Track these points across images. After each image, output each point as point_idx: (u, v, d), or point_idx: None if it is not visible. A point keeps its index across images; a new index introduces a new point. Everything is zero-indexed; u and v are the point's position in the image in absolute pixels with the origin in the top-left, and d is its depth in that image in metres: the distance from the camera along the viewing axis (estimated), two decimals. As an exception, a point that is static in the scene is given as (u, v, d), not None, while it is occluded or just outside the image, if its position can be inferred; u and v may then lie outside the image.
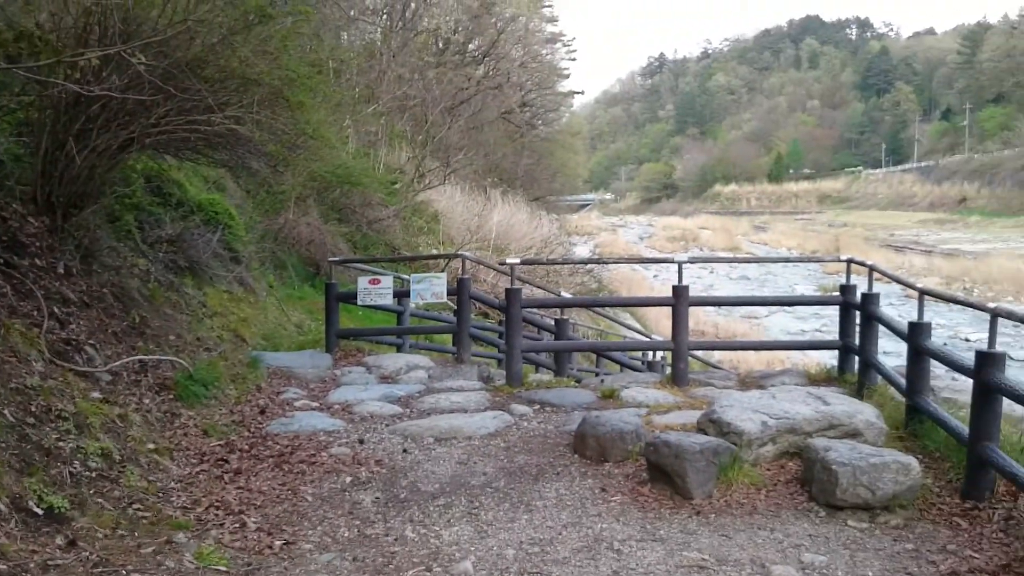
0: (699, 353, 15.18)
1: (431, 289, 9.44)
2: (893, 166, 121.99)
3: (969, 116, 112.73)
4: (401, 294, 10.28)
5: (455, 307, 10.77)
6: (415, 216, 20.27)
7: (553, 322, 11.63)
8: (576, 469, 5.78)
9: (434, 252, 17.21)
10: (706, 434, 5.73)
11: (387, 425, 6.84)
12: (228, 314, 9.51)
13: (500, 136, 34.23)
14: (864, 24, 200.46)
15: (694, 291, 8.91)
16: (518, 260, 8.85)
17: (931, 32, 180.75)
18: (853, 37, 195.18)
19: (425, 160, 22.92)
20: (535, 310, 12.16)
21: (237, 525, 4.72)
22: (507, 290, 8.44)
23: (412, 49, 26.86)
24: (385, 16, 27.94)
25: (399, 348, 11.41)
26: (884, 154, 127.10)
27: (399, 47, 25.37)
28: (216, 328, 8.83)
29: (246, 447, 6.14)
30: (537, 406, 7.59)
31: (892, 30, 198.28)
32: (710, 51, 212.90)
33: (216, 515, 4.85)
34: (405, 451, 6.18)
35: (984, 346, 5.04)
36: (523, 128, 37.07)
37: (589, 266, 26.60)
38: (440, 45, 31.47)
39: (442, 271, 13.57)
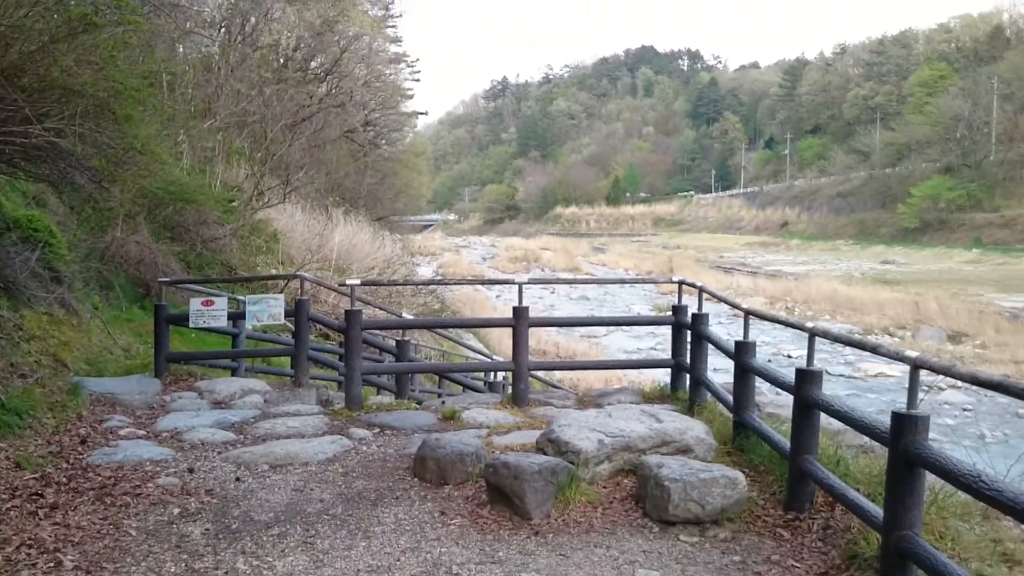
0: (540, 373, 15.40)
1: (268, 310, 9.18)
2: (722, 191, 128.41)
3: (790, 145, 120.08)
4: (236, 316, 9.95)
5: (294, 329, 10.51)
6: (253, 235, 19.70)
7: (395, 343, 11.52)
8: (416, 493, 5.72)
9: (272, 272, 16.76)
10: (545, 454, 5.79)
11: (219, 453, 6.58)
12: (47, 338, 8.93)
13: (343, 155, 33.78)
14: (695, 56, 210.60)
15: (535, 311, 9.04)
16: (359, 281, 8.74)
17: (756, 66, 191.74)
18: (685, 68, 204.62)
19: (264, 178, 22.34)
20: (376, 331, 12.02)
21: (52, 564, 4.41)
22: (347, 311, 8.30)
23: (251, 64, 26.17)
24: (223, 30, 27.13)
25: (234, 372, 11.03)
26: (714, 180, 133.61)
27: (238, 62, 24.67)
28: (34, 353, 8.27)
29: (64, 479, 5.75)
30: (377, 429, 7.48)
31: (720, 62, 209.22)
32: (551, 76, 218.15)
33: (28, 554, 4.51)
34: (238, 479, 5.95)
35: (804, 363, 5.32)
36: (366, 147, 36.75)
37: (432, 287, 26.57)
38: (281, 61, 30.84)
39: (280, 292, 13.23)
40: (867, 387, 23.40)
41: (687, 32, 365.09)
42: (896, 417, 3.94)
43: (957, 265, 60.73)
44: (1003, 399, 21.04)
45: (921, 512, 3.94)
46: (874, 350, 4.59)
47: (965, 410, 20.26)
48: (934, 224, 74.27)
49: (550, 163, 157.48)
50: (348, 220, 26.30)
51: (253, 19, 27.98)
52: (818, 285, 42.23)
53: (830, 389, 21.94)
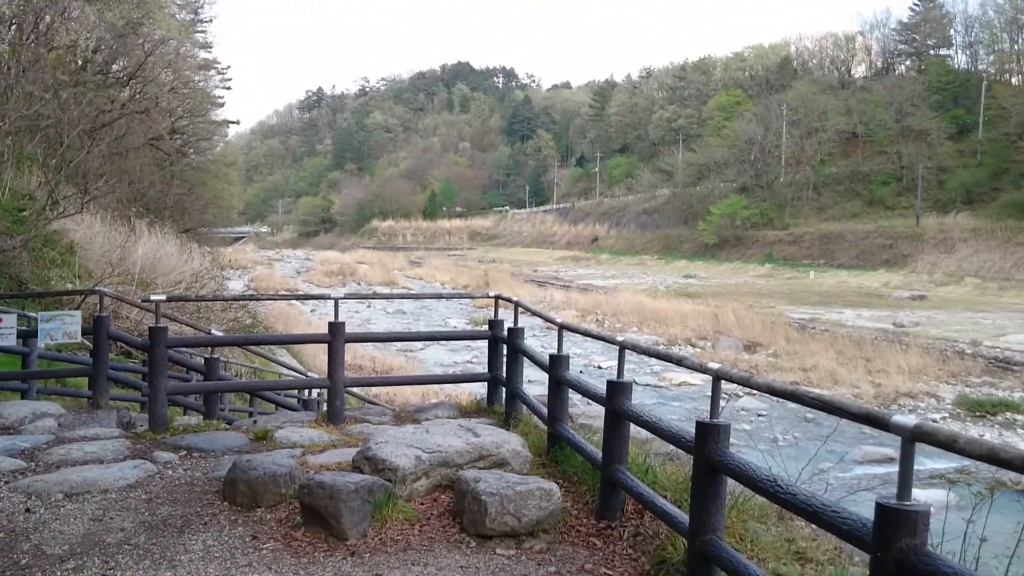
0: (357, 389, 15.18)
1: (63, 328, 8.59)
2: (536, 207, 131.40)
3: (600, 164, 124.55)
4: (27, 334, 9.25)
5: (92, 347, 9.88)
6: (47, 247, 18.39)
7: (203, 361, 11.05)
8: (226, 517, 5.49)
9: (68, 287, 15.71)
10: (362, 472, 5.70)
11: (7, 482, 6.08)
12: None
13: (147, 163, 32.17)
14: (510, 74, 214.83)
15: (352, 326, 8.90)
16: (164, 296, 8.32)
17: (567, 86, 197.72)
18: (500, 85, 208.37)
19: (60, 186, 20.92)
20: (183, 349, 11.49)
21: None
22: (151, 328, 7.89)
23: (46, 65, 24.50)
24: (14, 27, 25.26)
25: (24, 394, 10.24)
26: (528, 195, 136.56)
27: (30, 62, 23.01)
28: None
29: None
30: (184, 452, 7.14)
31: (534, 81, 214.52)
32: (368, 89, 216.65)
33: None
34: (28, 511, 5.51)
35: (614, 374, 5.50)
36: (173, 156, 35.15)
37: (243, 302, 25.70)
38: (79, 63, 29.04)
39: (77, 308, 12.41)
40: (672, 396, 24.51)
41: (502, 50, 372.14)
42: (700, 426, 4.14)
43: (752, 279, 64.79)
44: (792, 405, 22.55)
45: (723, 516, 4.14)
46: (679, 362, 4.80)
47: (760, 415, 21.57)
48: (731, 240, 78.89)
49: (366, 176, 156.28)
50: (153, 232, 25.08)
51: (48, 17, 26.20)
52: (626, 298, 43.86)
53: (639, 399, 22.83)
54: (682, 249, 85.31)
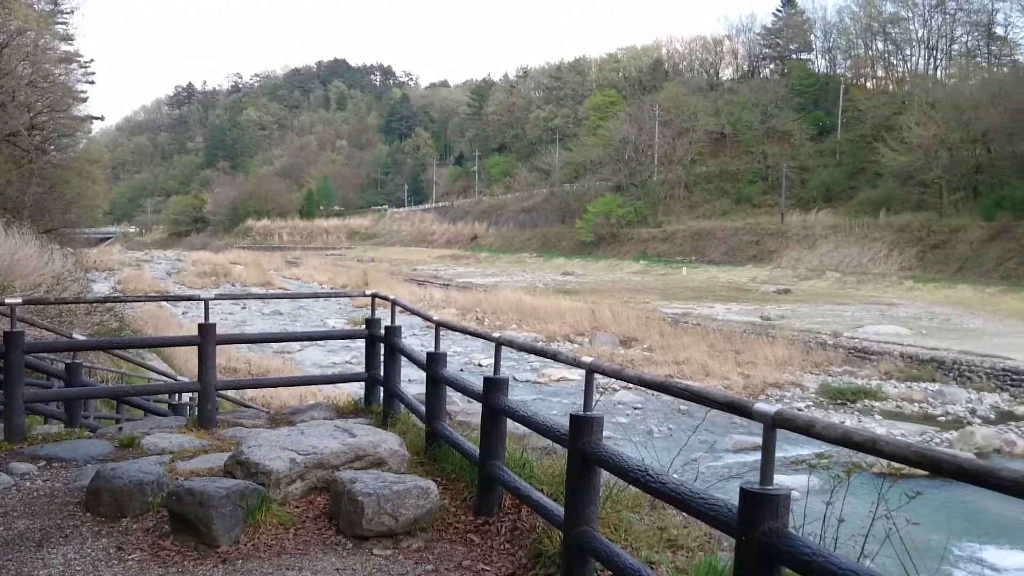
0: (231, 392, 14.77)
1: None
2: (415, 205, 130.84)
3: (478, 162, 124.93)
4: None
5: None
6: None
7: (64, 367, 10.54)
8: (88, 529, 5.25)
9: (-87, 291, 14.73)
10: (234, 477, 5.55)
11: None
12: None
13: (4, 161, 30.52)
14: (387, 72, 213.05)
15: (225, 328, 8.68)
16: (20, 299, 7.89)
17: (445, 84, 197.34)
18: (378, 83, 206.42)
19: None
20: (43, 354, 10.94)
21: None
22: (5, 333, 7.48)
23: None
24: None
25: None
26: (407, 194, 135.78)
27: None
28: None
29: None
30: (43, 462, 6.79)
31: (412, 79, 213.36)
32: (240, 85, 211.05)
33: None
34: None
35: (493, 371, 5.51)
36: (32, 153, 33.40)
37: (109, 304, 24.65)
38: (-78, 53, 27.34)
39: (-77, 313, 11.64)
40: (551, 391, 24.80)
41: (379, 48, 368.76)
42: (574, 419, 4.19)
43: (627, 275, 66.26)
44: (667, 397, 23.17)
45: (597, 508, 4.22)
46: (554, 357, 4.86)
47: (636, 408, 22.08)
48: (607, 238, 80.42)
49: (240, 174, 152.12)
50: (10, 233, 23.76)
51: None
52: (506, 296, 44.16)
53: (520, 395, 22.96)
54: (560, 247, 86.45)
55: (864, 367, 28.14)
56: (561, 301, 41.81)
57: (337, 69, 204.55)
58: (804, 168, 75.08)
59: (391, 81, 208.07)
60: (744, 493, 2.92)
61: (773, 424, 2.90)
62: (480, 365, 27.66)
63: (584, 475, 4.12)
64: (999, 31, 79.08)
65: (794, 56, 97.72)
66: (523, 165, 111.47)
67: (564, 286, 55.62)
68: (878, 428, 21.18)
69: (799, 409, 22.72)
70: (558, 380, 25.81)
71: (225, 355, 24.14)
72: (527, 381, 25.82)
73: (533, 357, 27.21)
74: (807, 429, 2.76)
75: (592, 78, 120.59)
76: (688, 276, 63.71)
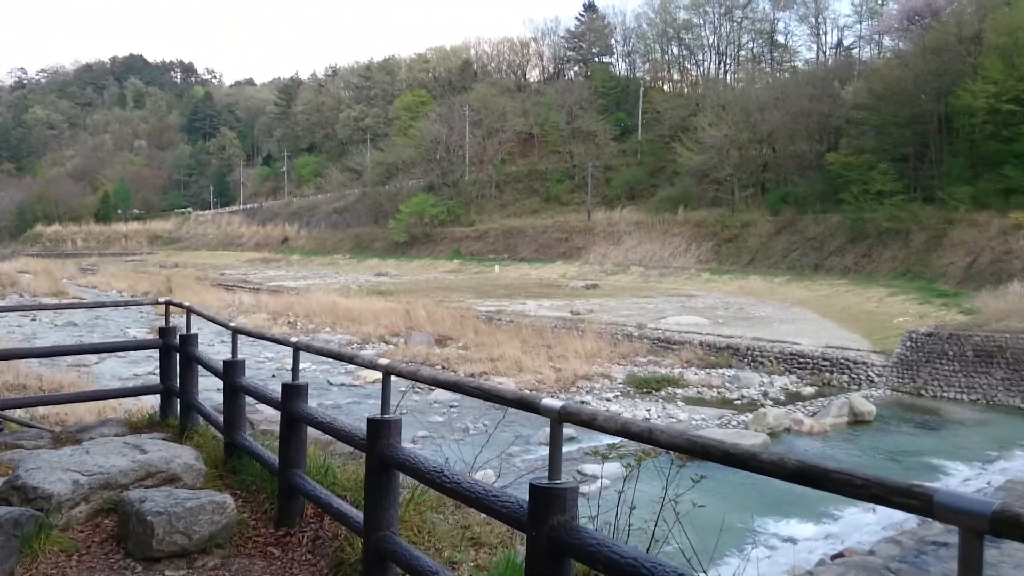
0: (19, 412, 13.68)
1: None
2: (222, 208, 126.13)
3: (287, 163, 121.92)
4: None
5: None
6: None
7: None
8: None
9: None
10: (9, 503, 5.13)
11: None
12: None
13: None
14: (188, 69, 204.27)
15: (13, 342, 8.02)
16: None
17: (251, 83, 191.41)
18: (178, 80, 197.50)
19: None
20: None
21: None
22: None
23: None
24: None
25: None
26: (212, 196, 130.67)
27: None
28: None
29: None
30: None
31: (215, 77, 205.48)
32: (26, 81, 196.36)
33: None
34: None
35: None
36: None
37: None
38: None
39: None
40: (366, 393, 24.48)
41: (179, 44, 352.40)
42: (371, 423, 4.13)
43: (441, 275, 66.51)
44: (483, 394, 23.41)
45: (397, 511, 4.17)
46: (351, 360, 4.78)
47: (452, 407, 22.17)
48: (420, 238, 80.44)
49: (27, 176, 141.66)
50: None
51: None
52: (318, 298, 43.31)
53: (335, 398, 22.49)
54: (373, 248, 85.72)
55: (667, 356, 29.45)
56: (376, 302, 41.43)
57: (133, 65, 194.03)
58: (608, 167, 77.86)
59: (193, 79, 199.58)
60: (533, 489, 2.96)
61: (559, 419, 2.95)
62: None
63: (383, 479, 4.07)
64: (780, 39, 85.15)
65: (597, 59, 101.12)
66: (334, 165, 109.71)
67: (379, 287, 55.12)
68: (681, 414, 22.23)
69: (607, 399, 23.55)
70: (373, 382, 25.48)
71: (13, 372, 22.39)
72: (343, 384, 25.37)
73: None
74: (590, 422, 2.83)
75: (402, 78, 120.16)
76: (501, 274, 64.67)
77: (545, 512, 2.91)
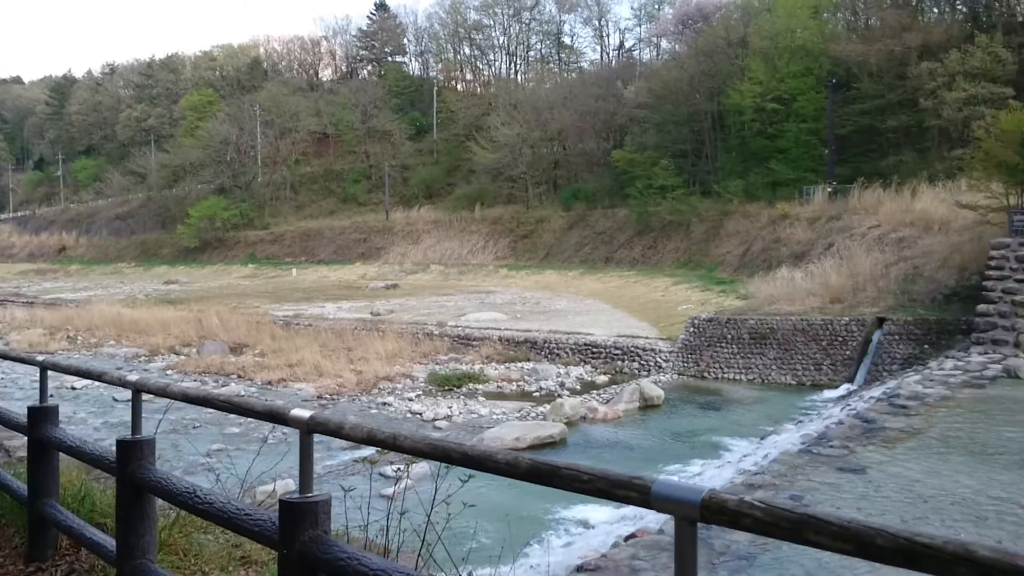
0: None
1: None
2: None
3: (63, 166, 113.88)
4: None
5: None
6: None
7: None
8: None
9: None
10: None
11: None
12: None
13: None
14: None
15: None
16: None
17: (19, 81, 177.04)
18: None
19: None
20: None
21: None
22: None
23: None
24: None
25: None
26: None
27: None
28: None
29: None
30: None
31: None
32: None
33: None
34: None
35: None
36: None
37: None
38: None
39: None
40: (155, 408, 23.26)
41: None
42: (121, 444, 3.87)
43: (236, 280, 64.19)
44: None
45: (155, 537, 3.93)
46: (99, 378, 4.47)
47: (247, 417, 21.40)
48: (212, 242, 77.37)
49: None
50: None
51: None
52: (101, 310, 40.78)
53: (120, 415, 21.19)
54: (162, 254, 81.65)
55: (468, 353, 29.76)
56: (165, 311, 39.49)
57: None
58: (405, 167, 77.80)
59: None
60: (283, 504, 2.85)
61: (308, 430, 2.86)
62: (74, 388, 25.21)
63: (136, 504, 3.82)
64: (567, 40, 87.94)
65: (390, 58, 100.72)
66: (115, 169, 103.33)
67: (168, 295, 52.53)
68: (482, 409, 22.49)
69: (409, 399, 23.50)
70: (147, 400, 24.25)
71: None
72: (128, 400, 23.97)
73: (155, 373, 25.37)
74: (338, 431, 2.75)
75: (187, 76, 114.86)
76: (299, 277, 63.25)
77: (297, 528, 2.80)
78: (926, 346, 24.73)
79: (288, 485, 14.12)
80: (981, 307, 23.45)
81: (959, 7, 49.14)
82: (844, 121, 45.26)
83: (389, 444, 2.54)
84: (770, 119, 46.76)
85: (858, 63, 44.90)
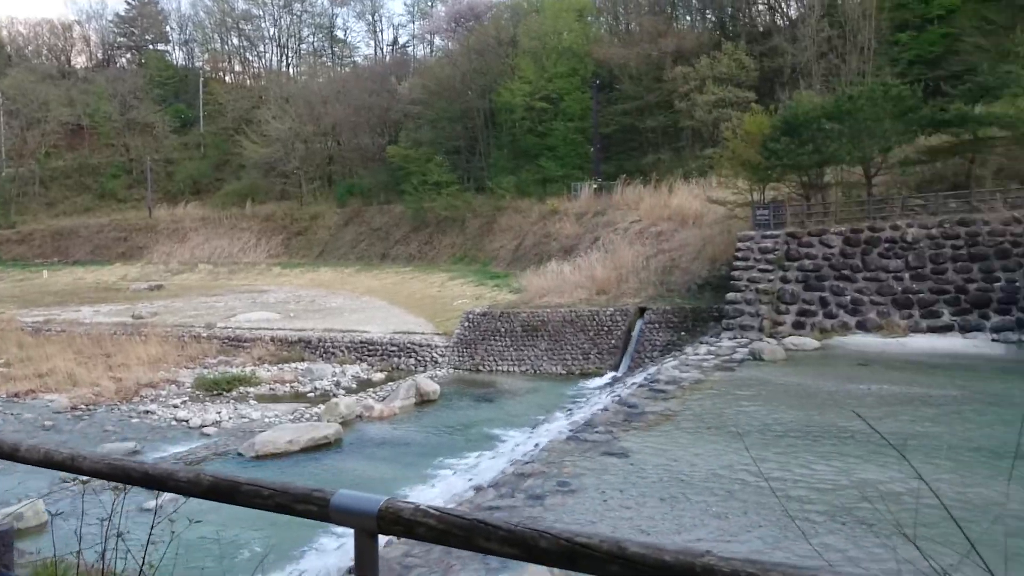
0: None
1: None
2: None
3: None
4: None
5: None
6: None
7: None
8: None
9: None
10: None
11: None
12: None
13: None
14: None
15: None
16: None
17: None
18: None
19: None
20: None
21: None
22: None
23: None
24: None
25: None
26: None
27: None
28: None
29: None
30: None
31: None
32: None
33: None
34: None
35: None
36: None
37: None
38: None
39: None
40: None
41: None
42: None
43: (-23, 285, 58.68)
44: (31, 415, 21.09)
45: None
46: None
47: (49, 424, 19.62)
48: (-52, 244, 70.37)
49: None
50: None
51: None
52: None
53: None
54: None
55: (239, 355, 28.75)
56: None
57: None
58: (169, 161, 73.92)
59: None
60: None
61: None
62: None
63: None
64: (340, 34, 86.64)
65: (151, 46, 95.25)
66: None
67: None
68: (253, 413, 21.79)
69: (174, 406, 22.39)
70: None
71: None
72: None
73: None
74: (12, 455, 2.52)
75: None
76: (51, 279, 58.60)
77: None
78: (683, 333, 26.36)
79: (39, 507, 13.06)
80: (730, 295, 25.26)
81: (708, 16, 52.65)
82: (608, 120, 47.41)
83: (68, 466, 2.36)
84: (540, 117, 48.20)
85: (620, 65, 47.18)
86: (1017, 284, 22.89)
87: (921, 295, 23.72)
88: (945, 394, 17.43)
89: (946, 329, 23.23)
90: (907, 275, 24.01)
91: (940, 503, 2.81)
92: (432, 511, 1.51)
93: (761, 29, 48.86)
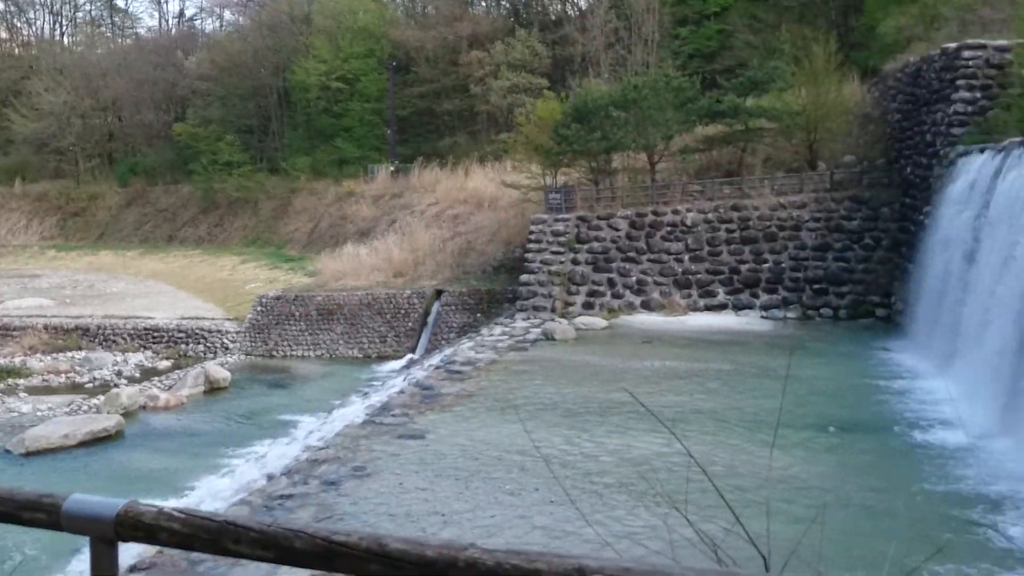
0: None
1: None
2: None
3: None
4: None
5: None
6: None
7: None
8: None
9: None
10: None
11: None
12: None
13: None
14: None
15: None
16: None
17: None
18: None
19: None
20: None
21: None
22: None
23: None
24: None
25: None
26: None
27: None
28: None
29: None
30: None
31: None
32: None
33: None
34: None
35: None
36: None
37: None
38: None
39: None
40: None
41: None
42: None
43: None
44: None
45: None
46: None
47: None
48: None
49: None
50: None
51: None
52: None
53: None
54: None
55: (7, 345, 26.73)
56: None
57: None
58: None
59: None
60: None
61: None
62: None
63: None
64: (121, 4, 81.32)
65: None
66: None
67: None
68: (24, 407, 20.42)
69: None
70: None
71: None
72: None
73: None
74: None
75: None
76: None
77: None
78: (479, 314, 26.79)
79: None
80: (524, 277, 25.89)
81: (503, 3, 53.37)
82: (405, 103, 47.14)
83: None
84: (335, 98, 47.26)
85: (416, 48, 46.96)
86: (783, 265, 24.83)
87: (699, 276, 25.25)
88: (719, 368, 18.69)
89: (721, 307, 24.87)
90: (687, 257, 25.48)
91: (707, 477, 3.03)
92: (177, 514, 1.46)
93: (553, 18, 50.02)
